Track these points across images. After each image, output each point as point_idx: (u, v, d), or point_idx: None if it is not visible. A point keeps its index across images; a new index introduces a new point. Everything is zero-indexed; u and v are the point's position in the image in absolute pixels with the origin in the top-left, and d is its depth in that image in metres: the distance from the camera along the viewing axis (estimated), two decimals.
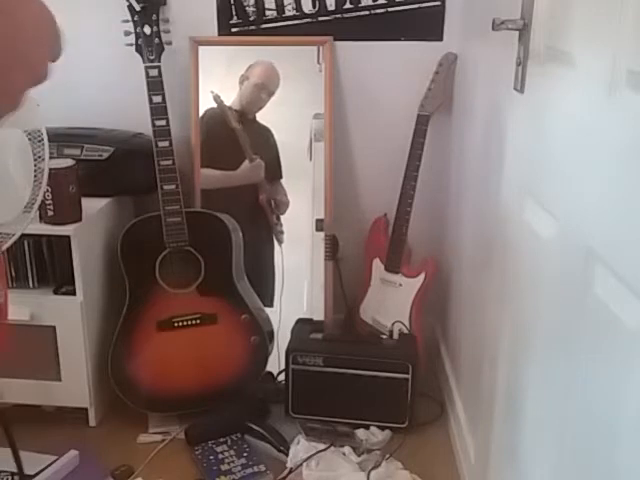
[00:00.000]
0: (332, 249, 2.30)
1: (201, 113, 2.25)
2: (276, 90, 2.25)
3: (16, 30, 0.50)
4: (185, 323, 2.06)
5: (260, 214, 2.32)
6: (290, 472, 1.83)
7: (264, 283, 2.30)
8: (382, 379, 2.01)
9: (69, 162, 1.94)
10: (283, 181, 2.35)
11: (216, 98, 2.22)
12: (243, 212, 2.21)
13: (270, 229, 2.34)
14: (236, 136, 2.24)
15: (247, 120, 2.27)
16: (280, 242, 2.35)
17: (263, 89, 2.25)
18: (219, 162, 2.27)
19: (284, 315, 2.28)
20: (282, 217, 2.35)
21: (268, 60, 2.24)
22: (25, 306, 1.96)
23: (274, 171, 2.32)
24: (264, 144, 2.30)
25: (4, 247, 1.62)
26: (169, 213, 2.00)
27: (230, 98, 2.25)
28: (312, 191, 2.30)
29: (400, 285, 2.25)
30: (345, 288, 2.37)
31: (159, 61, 2.01)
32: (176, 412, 2.09)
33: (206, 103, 2.24)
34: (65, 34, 0.56)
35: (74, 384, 2.02)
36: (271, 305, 2.31)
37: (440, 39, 2.22)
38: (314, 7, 2.22)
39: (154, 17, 2.02)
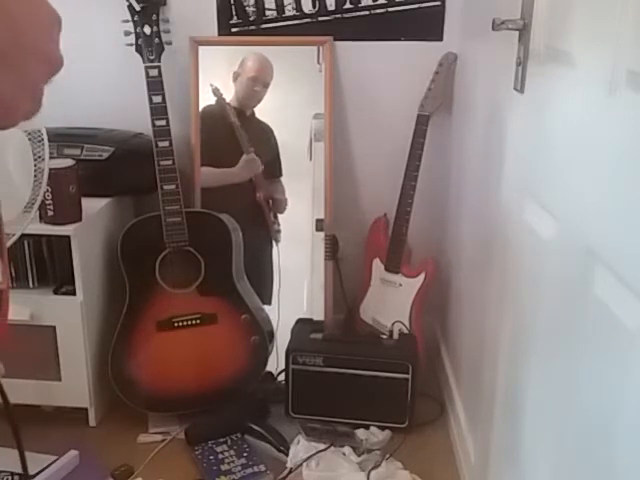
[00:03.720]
0: (332, 249, 2.30)
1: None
2: (271, 80, 2.24)
3: (24, 17, 0.46)
4: (185, 323, 2.06)
5: (258, 212, 2.32)
6: (290, 472, 1.83)
7: (263, 281, 2.30)
8: (382, 379, 2.01)
9: (69, 162, 1.94)
10: (283, 180, 2.35)
11: (215, 91, 2.22)
12: (242, 211, 2.21)
13: (268, 227, 2.34)
14: (234, 131, 2.24)
15: (246, 117, 2.27)
16: (277, 241, 2.35)
17: (257, 82, 2.25)
18: (218, 160, 2.27)
19: (284, 315, 2.28)
20: (282, 217, 2.35)
21: (259, 52, 2.24)
22: (25, 306, 1.96)
23: (273, 169, 2.32)
24: (264, 141, 2.30)
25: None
26: (169, 213, 2.00)
27: (228, 97, 2.25)
28: (312, 191, 2.30)
29: (400, 285, 2.25)
30: (345, 288, 2.37)
31: (159, 61, 2.01)
32: (176, 412, 2.09)
33: (206, 103, 2.24)
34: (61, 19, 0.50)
35: (74, 384, 2.02)
36: (269, 303, 2.32)
37: (440, 39, 2.22)
38: (314, 7, 2.22)
39: (154, 17, 2.02)
